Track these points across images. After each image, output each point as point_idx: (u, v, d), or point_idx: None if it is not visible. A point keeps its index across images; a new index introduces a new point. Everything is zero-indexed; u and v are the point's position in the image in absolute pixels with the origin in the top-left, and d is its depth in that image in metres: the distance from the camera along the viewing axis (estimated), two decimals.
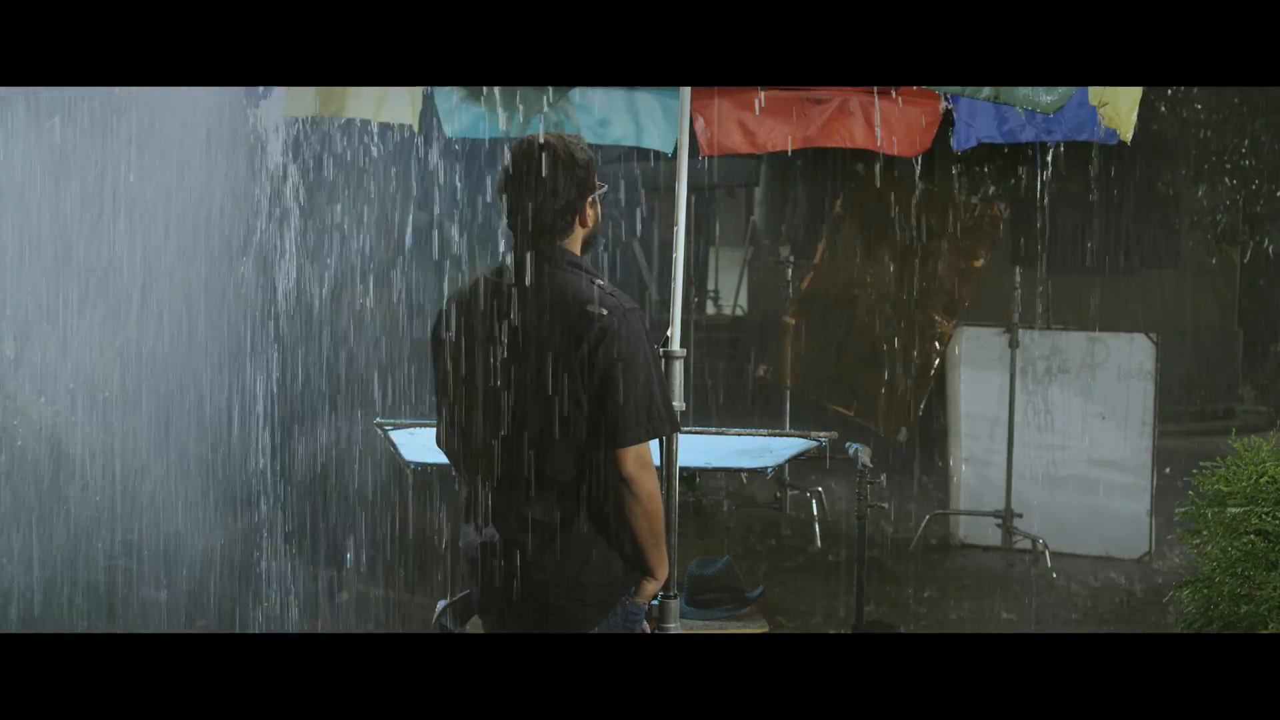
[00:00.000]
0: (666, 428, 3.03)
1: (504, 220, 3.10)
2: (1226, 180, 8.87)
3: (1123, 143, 4.31)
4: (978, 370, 7.20)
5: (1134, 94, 4.06)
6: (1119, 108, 4.02)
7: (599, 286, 3.01)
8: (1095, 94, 3.99)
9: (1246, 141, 8.63)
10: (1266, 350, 11.10)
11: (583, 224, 3.10)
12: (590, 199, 3.10)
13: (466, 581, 3.19)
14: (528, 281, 3.01)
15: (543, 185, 3.00)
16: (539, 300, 2.99)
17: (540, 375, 2.96)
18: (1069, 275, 9.51)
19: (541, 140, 3.05)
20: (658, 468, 3.16)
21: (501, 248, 3.19)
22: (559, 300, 2.98)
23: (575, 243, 3.10)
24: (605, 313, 2.95)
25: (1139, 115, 4.15)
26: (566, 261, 3.04)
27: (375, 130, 5.37)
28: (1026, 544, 6.97)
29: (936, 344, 7.30)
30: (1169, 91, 8.31)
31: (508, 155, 3.06)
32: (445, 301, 3.19)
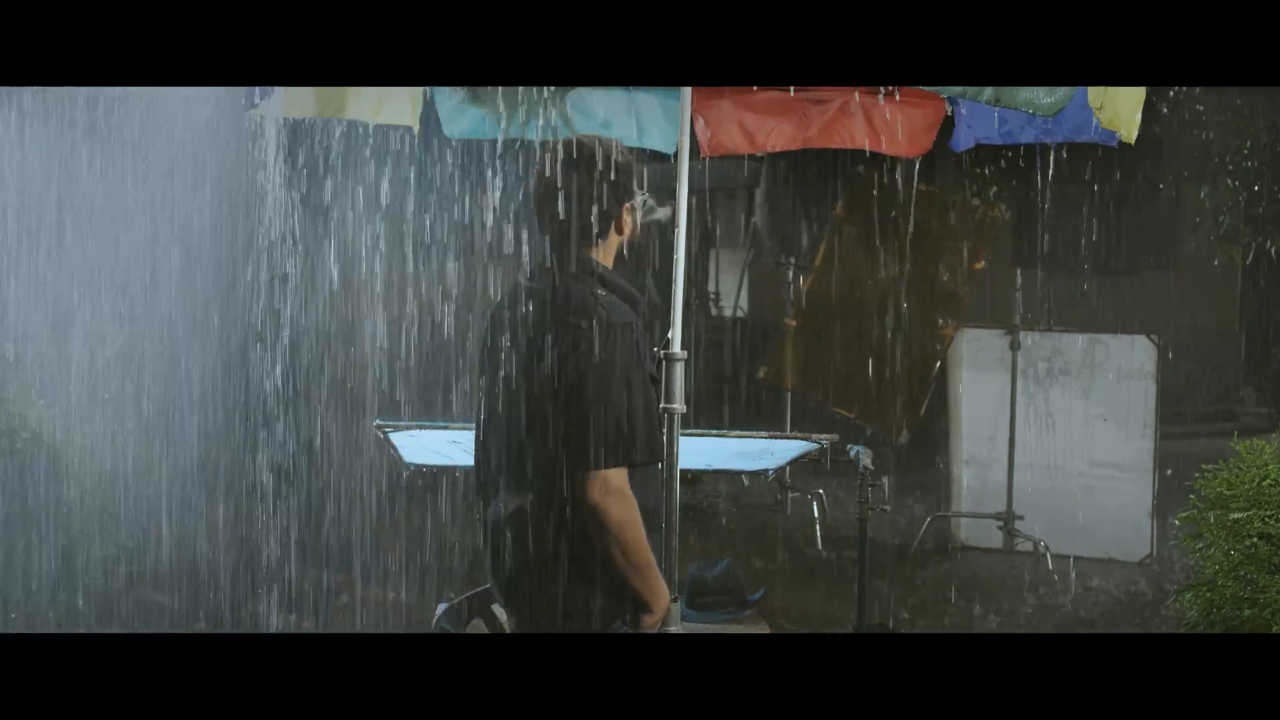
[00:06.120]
0: (640, 456, 2.83)
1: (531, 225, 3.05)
2: (1228, 181, 8.85)
3: (1123, 144, 4.29)
4: (979, 372, 7.19)
5: (1137, 95, 4.03)
6: (1120, 109, 4.00)
7: (597, 296, 2.87)
8: (1094, 96, 3.97)
9: (1248, 143, 8.61)
10: (1268, 352, 11.07)
11: (618, 232, 2.98)
12: (628, 206, 2.98)
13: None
14: (539, 289, 2.93)
15: (577, 190, 2.89)
16: (540, 309, 2.89)
17: (529, 390, 2.85)
18: (1070, 277, 9.49)
19: (579, 142, 2.95)
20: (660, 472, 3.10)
21: (526, 253, 3.14)
22: (553, 310, 2.87)
23: (606, 250, 2.98)
24: (584, 325, 2.80)
25: (1141, 116, 4.13)
26: (584, 269, 2.92)
27: (374, 131, 5.36)
28: (1028, 546, 6.95)
29: (937, 346, 7.29)
30: (1170, 92, 8.30)
31: (542, 157, 2.97)
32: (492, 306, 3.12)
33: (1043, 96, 3.60)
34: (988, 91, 3.61)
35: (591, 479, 2.76)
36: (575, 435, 2.77)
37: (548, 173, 2.94)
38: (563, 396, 2.79)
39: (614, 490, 2.78)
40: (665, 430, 3.30)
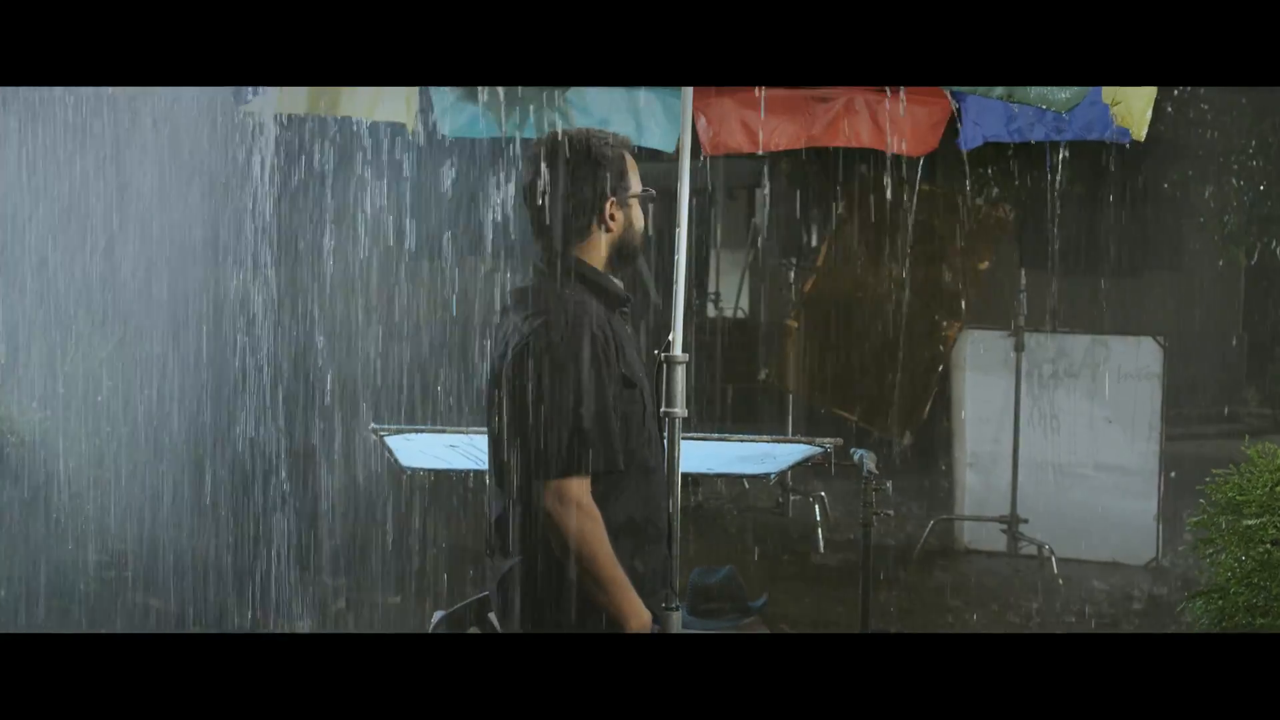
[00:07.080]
0: (599, 465, 2.71)
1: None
2: (1233, 181, 8.81)
3: (1130, 143, 4.24)
4: (983, 374, 7.13)
5: (1148, 93, 3.99)
6: (1132, 107, 3.95)
7: (563, 296, 2.78)
8: (1109, 92, 3.92)
9: (1254, 142, 8.57)
10: (1272, 353, 11.03)
11: (605, 228, 2.86)
12: (613, 201, 2.86)
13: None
14: (520, 290, 2.88)
15: (560, 185, 2.79)
16: (517, 311, 2.83)
17: (508, 393, 2.77)
18: (1075, 277, 9.45)
19: (565, 136, 2.84)
20: (671, 471, 3.04)
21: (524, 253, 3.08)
22: (523, 311, 2.80)
23: (595, 249, 2.87)
24: (542, 326, 2.71)
25: (1150, 115, 4.08)
26: (563, 267, 2.82)
27: (369, 129, 5.30)
28: (1032, 549, 6.90)
29: (941, 347, 7.24)
30: (1175, 92, 8.25)
31: (531, 153, 2.89)
32: None
33: (1057, 92, 3.54)
34: (1000, 89, 3.55)
35: (547, 488, 2.68)
36: (535, 442, 2.69)
37: (534, 168, 2.87)
38: (528, 401, 2.71)
39: (569, 500, 2.68)
40: (665, 434, 3.24)
